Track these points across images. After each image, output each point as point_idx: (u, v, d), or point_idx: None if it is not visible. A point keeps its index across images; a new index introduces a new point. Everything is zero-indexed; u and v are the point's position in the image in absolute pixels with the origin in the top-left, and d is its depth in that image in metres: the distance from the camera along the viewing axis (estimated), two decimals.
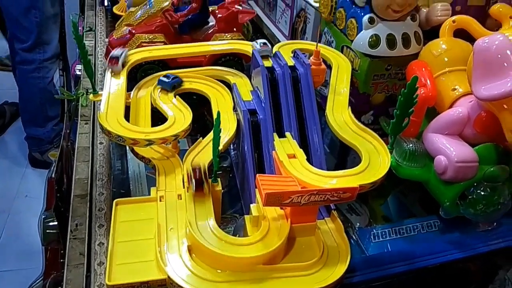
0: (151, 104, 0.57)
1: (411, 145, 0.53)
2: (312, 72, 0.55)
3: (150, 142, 0.48)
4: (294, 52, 0.60)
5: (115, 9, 1.02)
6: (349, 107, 0.55)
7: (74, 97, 0.76)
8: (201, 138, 0.52)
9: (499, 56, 0.43)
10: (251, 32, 0.84)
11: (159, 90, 0.58)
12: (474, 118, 0.49)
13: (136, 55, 0.61)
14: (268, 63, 0.57)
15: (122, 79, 0.57)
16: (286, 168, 0.46)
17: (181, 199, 0.46)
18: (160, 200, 0.45)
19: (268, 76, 0.54)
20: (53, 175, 0.94)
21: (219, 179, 0.48)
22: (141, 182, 0.61)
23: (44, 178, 1.97)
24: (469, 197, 0.50)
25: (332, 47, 0.68)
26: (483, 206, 0.50)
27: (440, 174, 0.50)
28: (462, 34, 0.59)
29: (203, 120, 0.66)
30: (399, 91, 0.63)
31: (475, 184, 0.50)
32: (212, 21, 0.79)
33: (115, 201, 0.45)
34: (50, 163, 2.09)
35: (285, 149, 0.49)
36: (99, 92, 0.55)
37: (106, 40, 0.93)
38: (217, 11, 0.80)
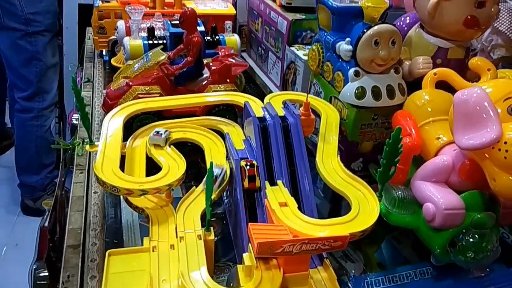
0: (146, 154, 0.59)
1: (399, 192, 0.55)
2: (302, 122, 0.57)
3: (144, 192, 0.49)
4: (284, 103, 0.62)
5: (113, 61, 1.05)
6: (338, 155, 0.57)
7: (70, 146, 0.77)
8: (194, 186, 0.53)
9: (478, 107, 0.45)
10: (244, 83, 0.87)
11: None
12: (458, 166, 0.51)
13: (133, 106, 0.63)
14: (259, 113, 0.59)
15: (119, 130, 0.58)
16: (278, 216, 0.46)
17: (173, 249, 0.46)
18: (153, 251, 0.46)
19: (259, 126, 0.56)
20: (45, 224, 0.94)
21: (212, 228, 0.48)
22: (134, 231, 0.62)
23: (36, 226, 1.94)
24: (459, 244, 0.51)
25: (321, 98, 0.71)
26: (473, 253, 0.50)
27: (429, 221, 0.51)
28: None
29: (196, 167, 0.67)
30: (387, 139, 0.65)
31: (463, 231, 0.50)
32: (206, 73, 0.83)
33: (108, 251, 0.46)
34: (43, 211, 2.07)
35: (277, 197, 0.50)
36: (96, 143, 0.56)
37: (104, 91, 0.95)
38: (211, 64, 0.84)
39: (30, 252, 1.44)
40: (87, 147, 0.56)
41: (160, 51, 0.80)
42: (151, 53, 0.80)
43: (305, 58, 0.79)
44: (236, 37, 0.99)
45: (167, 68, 0.78)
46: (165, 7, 1.14)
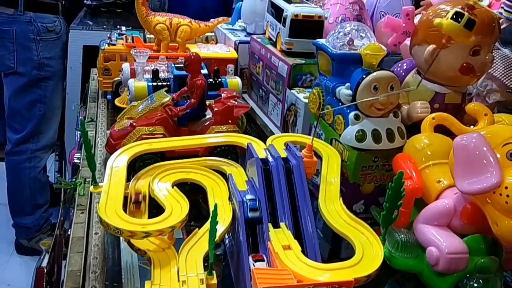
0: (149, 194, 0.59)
1: (402, 235, 0.55)
2: (304, 164, 0.58)
3: (147, 234, 0.48)
4: (286, 144, 0.63)
5: (116, 102, 1.07)
6: (341, 197, 0.57)
7: (72, 186, 0.77)
8: (197, 229, 0.53)
9: (477, 152, 0.46)
10: (245, 124, 0.89)
11: (157, 180, 0.60)
12: (460, 210, 0.51)
13: (137, 147, 0.64)
14: (262, 155, 0.60)
15: (122, 171, 0.59)
16: (282, 260, 0.46)
17: None
18: None
19: (262, 168, 0.57)
20: (42, 265, 0.92)
21: (214, 272, 0.48)
22: (133, 274, 0.61)
23: (29, 266, 1.91)
24: None
25: (322, 139, 0.72)
26: None
27: (432, 266, 0.51)
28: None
29: (197, 207, 0.67)
30: (388, 181, 0.66)
31: (467, 275, 0.50)
32: (209, 114, 0.85)
33: None
34: (37, 250, 2.03)
35: (280, 240, 0.50)
36: (100, 184, 0.57)
37: (107, 131, 0.97)
38: (213, 105, 0.86)
39: None
40: (91, 188, 0.56)
41: (164, 93, 0.82)
42: (155, 95, 0.82)
43: (306, 100, 0.81)
44: (237, 80, 1.02)
45: (171, 109, 0.80)
46: (169, 51, 1.18)
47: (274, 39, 1.00)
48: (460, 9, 0.58)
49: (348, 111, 0.65)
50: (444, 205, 0.53)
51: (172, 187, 0.60)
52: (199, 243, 0.51)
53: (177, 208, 0.54)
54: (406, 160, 0.60)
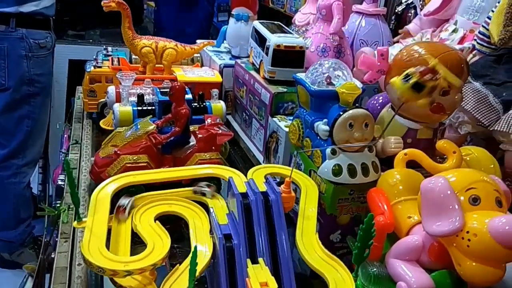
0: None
1: (375, 269, 0.58)
2: (282, 199, 0.60)
3: (129, 273, 0.50)
4: (266, 178, 0.66)
5: (102, 124, 1.09)
6: (317, 229, 0.60)
7: (56, 212, 0.78)
8: (178, 265, 0.55)
9: (442, 196, 0.49)
10: (228, 149, 0.91)
11: (140, 214, 0.62)
12: (428, 247, 0.54)
13: (122, 179, 0.66)
14: (242, 189, 0.62)
15: (106, 205, 0.60)
16: None
17: None
18: None
19: (242, 203, 0.59)
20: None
21: None
22: None
23: (10, 280, 1.89)
24: None
25: (301, 169, 0.75)
26: None
27: None
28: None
29: (180, 232, 0.69)
30: (363, 213, 0.69)
31: None
32: (192, 140, 0.87)
33: None
34: (19, 264, 2.01)
35: (258, 276, 0.52)
36: (83, 220, 0.58)
37: (92, 156, 0.98)
38: (197, 132, 0.88)
39: None
40: (75, 223, 0.58)
41: (149, 121, 0.84)
42: (140, 123, 0.84)
43: (287, 129, 0.84)
44: (222, 104, 1.04)
45: (155, 137, 0.81)
46: (155, 72, 1.20)
47: (257, 66, 1.03)
48: (414, 71, 0.62)
49: (326, 145, 0.68)
50: (414, 241, 0.56)
51: (155, 220, 0.61)
52: (180, 280, 0.53)
53: (158, 244, 0.56)
54: (379, 195, 0.63)
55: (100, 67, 1.15)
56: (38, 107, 1.71)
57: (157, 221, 0.61)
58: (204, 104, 1.03)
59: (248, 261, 0.55)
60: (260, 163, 0.96)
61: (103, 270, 0.50)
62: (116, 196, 0.70)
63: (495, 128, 0.79)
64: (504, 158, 0.81)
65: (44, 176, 2.32)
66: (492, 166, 0.74)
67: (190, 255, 0.47)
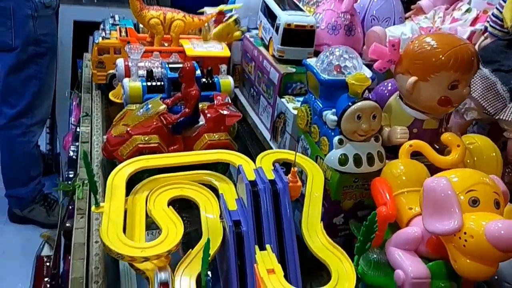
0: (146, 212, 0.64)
1: (375, 256, 0.62)
2: (289, 189, 0.63)
3: (146, 259, 0.54)
4: (274, 165, 0.68)
5: (111, 96, 1.10)
6: (321, 221, 0.63)
7: (71, 188, 0.82)
8: (190, 250, 0.59)
9: (443, 197, 0.52)
10: (236, 129, 0.93)
11: (154, 199, 0.65)
12: (426, 239, 0.58)
13: (135, 163, 0.68)
14: (251, 176, 0.65)
15: (122, 190, 0.63)
16: (266, 286, 0.52)
17: None
18: None
19: (251, 191, 0.62)
20: (42, 254, 0.98)
21: None
22: (130, 277, 0.67)
23: (23, 235, 1.98)
24: None
25: (308, 154, 0.77)
26: None
27: (399, 287, 0.58)
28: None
29: (186, 200, 0.71)
30: (366, 198, 0.72)
31: None
32: (202, 120, 0.88)
33: None
34: (30, 219, 2.11)
35: (265, 263, 0.56)
36: (101, 204, 0.61)
37: (102, 129, 1.00)
38: (206, 111, 0.89)
39: (17, 260, 1.44)
40: (93, 208, 0.61)
41: (159, 101, 0.85)
42: (151, 102, 0.85)
43: (295, 112, 0.85)
44: (230, 80, 1.05)
45: (165, 118, 0.83)
46: (163, 42, 1.19)
47: (266, 42, 1.02)
48: None
49: (333, 134, 0.70)
50: (413, 233, 0.59)
51: (168, 205, 0.65)
52: (192, 264, 0.57)
53: (172, 229, 0.59)
54: (383, 185, 0.65)
55: (108, 38, 1.14)
56: (45, 67, 1.73)
57: (170, 206, 0.64)
58: (213, 80, 1.03)
59: (256, 247, 0.59)
60: (267, 141, 0.98)
61: (122, 256, 0.54)
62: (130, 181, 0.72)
63: (501, 117, 0.80)
64: (507, 146, 0.83)
65: (51, 135, 2.36)
66: (494, 154, 0.76)
67: (203, 245, 0.50)
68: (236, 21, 1.13)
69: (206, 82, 1.02)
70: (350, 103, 0.66)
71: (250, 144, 1.05)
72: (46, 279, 0.92)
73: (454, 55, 0.64)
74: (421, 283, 0.56)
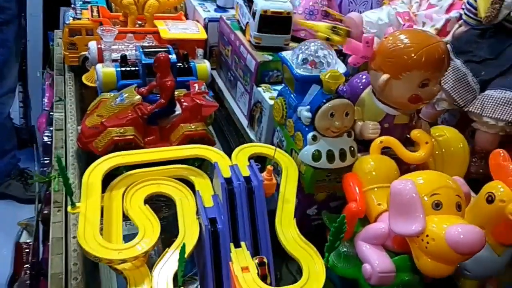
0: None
1: (345, 249, 0.65)
2: (264, 186, 0.65)
3: (123, 261, 0.55)
4: (250, 162, 0.69)
5: (84, 80, 1.07)
6: (295, 218, 0.65)
7: (46, 179, 0.82)
8: (167, 248, 0.60)
9: (408, 199, 0.54)
10: (213, 118, 0.93)
11: (131, 197, 0.66)
12: (393, 235, 0.61)
13: (110, 161, 0.68)
14: (227, 173, 0.66)
15: (98, 189, 0.64)
16: (240, 284, 0.55)
17: None
18: None
19: (227, 189, 0.63)
20: (20, 240, 0.98)
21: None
22: (111, 277, 0.69)
23: (2, 210, 1.97)
24: None
25: (283, 146, 0.79)
26: None
27: (366, 280, 0.61)
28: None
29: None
30: (338, 190, 0.74)
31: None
32: (178, 109, 0.88)
33: None
34: (7, 194, 2.10)
35: (240, 260, 0.58)
36: (77, 205, 0.61)
37: (76, 115, 0.98)
38: (182, 100, 0.89)
39: None
40: (69, 208, 0.61)
41: (134, 91, 0.84)
42: (125, 92, 0.84)
43: (271, 102, 0.85)
44: (207, 64, 1.03)
45: (140, 109, 0.82)
46: (137, 21, 1.16)
47: (243, 26, 1.01)
48: None
49: (307, 130, 0.71)
50: (381, 229, 0.62)
51: (145, 203, 0.65)
52: (169, 262, 0.59)
53: (149, 229, 0.61)
54: (354, 181, 0.68)
55: (79, 18, 1.10)
56: (11, 35, 1.67)
57: (146, 205, 0.65)
58: (189, 64, 1.02)
59: (231, 245, 0.61)
60: (244, 128, 0.99)
61: (100, 259, 0.55)
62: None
63: (470, 109, 0.83)
64: (475, 136, 0.86)
65: (25, 109, 2.31)
66: (461, 145, 0.79)
67: (179, 244, 0.52)
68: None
69: (182, 66, 1.01)
70: (323, 101, 0.67)
71: (227, 130, 1.06)
72: (26, 266, 0.93)
73: (426, 54, 0.65)
74: (387, 277, 0.59)
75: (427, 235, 0.52)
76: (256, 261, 0.58)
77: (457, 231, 0.50)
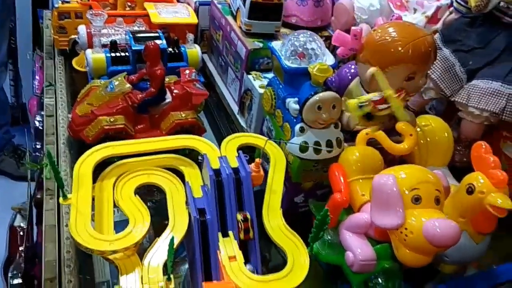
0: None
1: (329, 237, 0.68)
2: (252, 177, 0.66)
3: (114, 252, 0.57)
4: (238, 153, 0.71)
5: (74, 64, 1.07)
6: (281, 209, 0.67)
7: (38, 166, 0.83)
8: (157, 238, 0.62)
9: (389, 192, 0.56)
10: (203, 105, 0.93)
11: (121, 187, 0.67)
12: (375, 225, 0.63)
13: (101, 152, 0.69)
14: (216, 164, 0.68)
15: (89, 180, 0.65)
16: (227, 273, 0.57)
17: None
18: None
19: (215, 181, 0.65)
20: (15, 224, 1.00)
21: (172, 276, 0.59)
22: (104, 262, 0.71)
23: None
24: (370, 284, 0.64)
25: (272, 135, 0.80)
26: None
27: (348, 266, 0.64)
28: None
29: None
30: (324, 179, 0.76)
31: (375, 275, 0.64)
32: (168, 97, 0.88)
33: None
34: (0, 171, 2.11)
35: (227, 249, 0.61)
36: (68, 196, 0.63)
37: (67, 101, 0.99)
38: (172, 87, 0.89)
39: None
40: (61, 200, 0.63)
41: (124, 79, 0.84)
42: (115, 82, 0.84)
43: (261, 90, 0.86)
44: (197, 49, 1.03)
45: (130, 97, 0.83)
46: (128, 3, 1.14)
47: (234, 12, 1.00)
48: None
49: (295, 121, 0.72)
50: (363, 219, 0.64)
51: (135, 193, 0.67)
52: (159, 252, 0.61)
53: (139, 220, 0.62)
54: (340, 171, 0.69)
55: (68, 2, 1.08)
56: None
57: (136, 195, 0.67)
58: (179, 50, 1.02)
59: (219, 234, 0.63)
60: (235, 115, 1.00)
61: (92, 250, 0.57)
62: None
63: (456, 99, 0.84)
64: (460, 125, 0.88)
65: (15, 87, 2.30)
66: (446, 135, 0.81)
67: (168, 243, 0.54)
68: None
69: (173, 52, 1.01)
70: (311, 94, 0.68)
71: (218, 116, 1.06)
72: (21, 249, 0.96)
73: (413, 48, 0.66)
74: (368, 265, 0.62)
75: (405, 228, 0.55)
76: (240, 217, 0.62)
77: (434, 225, 0.52)
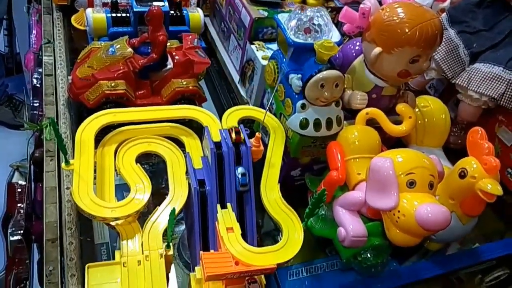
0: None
1: (323, 212, 0.70)
2: (252, 152, 0.67)
3: (116, 219, 0.59)
4: (239, 127, 0.71)
5: (73, 22, 1.05)
6: (279, 183, 0.69)
7: (38, 127, 0.83)
8: (158, 207, 0.64)
9: (385, 175, 0.58)
10: (204, 74, 0.93)
11: (123, 155, 0.68)
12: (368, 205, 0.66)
13: (102, 118, 0.70)
14: (217, 137, 0.69)
15: (90, 146, 0.66)
16: (225, 243, 0.60)
17: (140, 264, 0.58)
18: (124, 266, 0.58)
19: (216, 154, 0.66)
20: (12, 181, 1.01)
21: (171, 244, 0.61)
22: (103, 225, 0.73)
23: None
24: (359, 258, 0.68)
25: (273, 109, 0.80)
26: (368, 266, 0.67)
27: (340, 241, 0.67)
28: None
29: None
30: (321, 155, 0.77)
31: (364, 250, 0.67)
32: (169, 63, 0.87)
33: (87, 265, 0.58)
34: None
35: (225, 221, 0.63)
36: (71, 162, 0.64)
37: (66, 60, 0.97)
38: (174, 53, 0.88)
39: None
40: (63, 165, 0.64)
41: (125, 43, 0.83)
42: (116, 45, 0.83)
43: (264, 62, 0.85)
44: (200, 13, 1.01)
45: (131, 62, 0.82)
46: None
47: None
48: None
49: (297, 97, 0.72)
50: (358, 197, 0.66)
51: (136, 161, 0.68)
52: (159, 219, 0.63)
53: (140, 188, 0.64)
54: (337, 149, 0.71)
55: None
56: None
57: (138, 164, 0.68)
58: (182, 13, 0.99)
59: (218, 206, 0.65)
60: (235, 83, 0.99)
61: (94, 216, 0.59)
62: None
63: (456, 82, 0.85)
64: (458, 107, 0.89)
65: (10, 37, 2.24)
66: (443, 116, 0.82)
67: (169, 214, 0.56)
68: None
69: (175, 15, 0.99)
70: (315, 72, 0.68)
71: (219, 85, 1.06)
72: (19, 205, 0.97)
73: (419, 31, 0.65)
74: (359, 241, 0.65)
75: (398, 211, 0.57)
76: (233, 133, 0.66)
77: (426, 210, 0.54)
